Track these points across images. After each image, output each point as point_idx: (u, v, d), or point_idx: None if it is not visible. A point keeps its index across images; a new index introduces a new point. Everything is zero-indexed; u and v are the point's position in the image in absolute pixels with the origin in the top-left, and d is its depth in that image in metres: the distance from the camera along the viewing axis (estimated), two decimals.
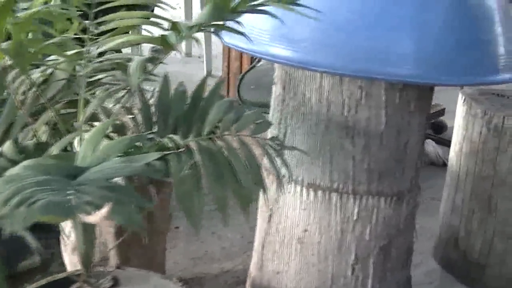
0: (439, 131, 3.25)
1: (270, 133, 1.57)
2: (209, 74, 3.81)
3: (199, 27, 1.02)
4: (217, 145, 1.15)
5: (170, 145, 1.06)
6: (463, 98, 1.98)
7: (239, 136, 1.17)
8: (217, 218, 2.33)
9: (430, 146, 2.74)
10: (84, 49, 1.19)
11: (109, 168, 0.90)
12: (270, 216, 1.57)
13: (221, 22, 1.07)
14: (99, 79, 1.22)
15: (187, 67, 4.19)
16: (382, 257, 1.52)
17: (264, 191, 1.17)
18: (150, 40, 1.03)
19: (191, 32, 1.02)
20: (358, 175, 1.45)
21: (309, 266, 1.52)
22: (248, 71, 2.74)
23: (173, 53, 1.23)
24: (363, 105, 1.41)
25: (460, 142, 1.99)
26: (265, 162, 1.57)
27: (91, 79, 1.21)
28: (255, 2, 1.02)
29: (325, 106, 1.42)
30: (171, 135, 1.07)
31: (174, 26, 0.99)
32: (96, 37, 1.17)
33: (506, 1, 1.49)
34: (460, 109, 1.99)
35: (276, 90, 1.53)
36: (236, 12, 1.03)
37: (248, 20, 1.37)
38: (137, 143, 1.06)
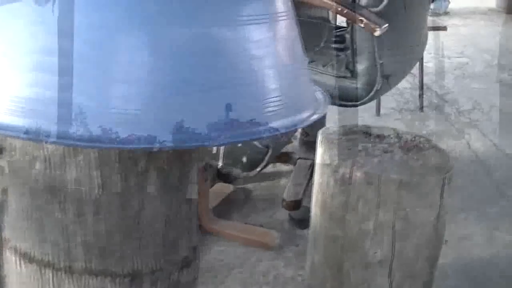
0: None
1: None
2: None
3: None
4: None
5: None
6: (321, 137, 1.61)
7: None
8: None
9: None
10: None
11: None
12: (4, 284, 1.30)
13: None
14: None
15: None
16: None
17: None
18: None
19: None
20: (73, 249, 1.15)
21: None
22: None
23: None
24: (70, 163, 1.11)
25: (316, 193, 1.62)
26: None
27: None
28: None
29: (28, 162, 1.14)
30: None
31: None
32: None
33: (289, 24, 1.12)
34: (318, 151, 1.62)
35: None
36: None
37: None
38: None
